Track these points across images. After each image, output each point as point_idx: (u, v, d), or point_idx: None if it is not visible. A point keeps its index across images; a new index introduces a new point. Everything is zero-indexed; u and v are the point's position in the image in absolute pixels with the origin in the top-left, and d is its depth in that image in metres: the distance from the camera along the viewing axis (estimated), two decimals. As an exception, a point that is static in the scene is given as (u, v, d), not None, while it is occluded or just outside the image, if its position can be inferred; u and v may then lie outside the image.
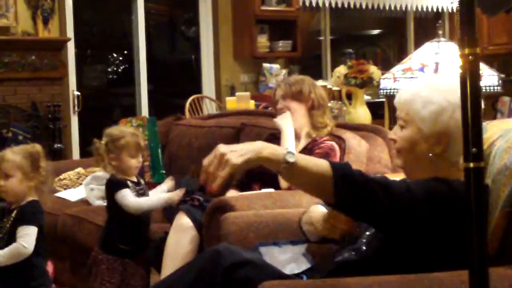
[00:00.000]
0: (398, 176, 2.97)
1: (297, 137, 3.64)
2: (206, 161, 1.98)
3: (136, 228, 3.46)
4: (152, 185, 3.88)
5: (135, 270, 3.47)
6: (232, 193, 3.66)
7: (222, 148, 1.97)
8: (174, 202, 3.39)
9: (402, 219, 2.02)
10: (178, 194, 3.40)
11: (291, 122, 3.64)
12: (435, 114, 2.20)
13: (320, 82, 4.00)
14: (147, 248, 3.51)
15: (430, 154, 2.24)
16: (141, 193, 3.46)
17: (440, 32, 3.69)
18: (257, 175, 3.62)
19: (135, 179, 3.51)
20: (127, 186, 3.43)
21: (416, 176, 2.26)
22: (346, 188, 1.96)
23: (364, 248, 2.23)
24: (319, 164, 1.99)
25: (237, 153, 1.95)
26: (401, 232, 2.06)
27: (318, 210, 2.39)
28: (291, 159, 1.93)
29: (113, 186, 3.45)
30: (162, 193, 3.48)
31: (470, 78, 1.51)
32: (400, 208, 2.01)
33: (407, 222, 2.02)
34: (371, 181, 1.99)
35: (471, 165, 1.51)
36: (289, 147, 3.52)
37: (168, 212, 3.72)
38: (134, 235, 3.47)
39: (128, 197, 3.39)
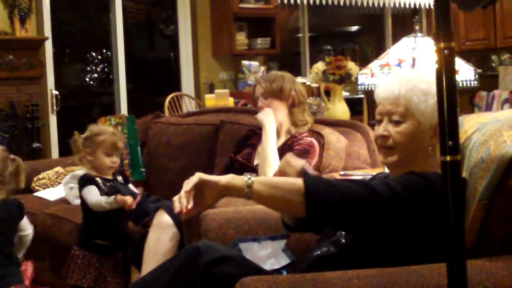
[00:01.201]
0: (376, 171, 2.99)
1: (277, 134, 3.65)
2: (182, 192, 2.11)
3: (111, 224, 3.49)
4: (132, 183, 3.89)
5: (111, 266, 3.50)
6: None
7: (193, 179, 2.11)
8: (126, 204, 3.39)
9: (383, 218, 2.03)
10: (130, 198, 3.40)
11: (273, 118, 3.64)
12: (436, 106, 2.19)
13: (299, 79, 4.00)
14: (124, 244, 3.54)
15: (430, 147, 2.24)
16: (112, 191, 3.48)
17: (417, 27, 3.71)
18: (237, 170, 3.62)
19: (109, 177, 3.56)
20: (94, 183, 3.48)
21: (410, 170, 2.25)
22: (320, 208, 2.01)
23: (343, 240, 2.23)
24: (286, 183, 2.06)
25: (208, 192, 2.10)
26: (381, 229, 2.07)
27: None
28: (251, 193, 2.04)
29: (81, 182, 3.53)
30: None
31: (445, 72, 1.53)
32: (384, 211, 2.01)
33: (388, 219, 2.03)
34: (343, 194, 2.02)
35: (448, 158, 1.52)
36: (271, 143, 3.53)
37: (135, 215, 3.73)
38: (109, 230, 3.51)
39: (89, 194, 3.45)
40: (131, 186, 3.74)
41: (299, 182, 2.03)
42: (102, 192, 3.48)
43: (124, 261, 3.55)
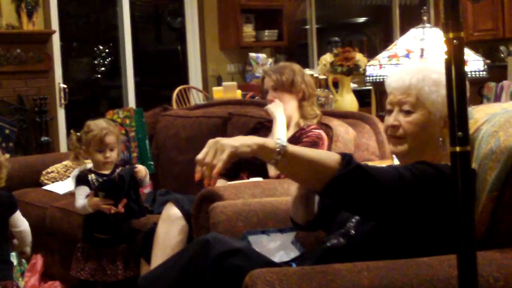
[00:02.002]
0: (386, 163, 2.98)
1: (286, 126, 3.63)
2: (200, 155, 1.98)
3: (108, 218, 3.50)
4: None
5: (111, 260, 3.52)
6: (220, 183, 3.66)
7: (214, 140, 1.98)
8: (103, 210, 3.46)
9: (394, 206, 2.02)
10: (107, 205, 3.47)
11: (283, 111, 3.62)
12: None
13: (306, 71, 3.97)
14: (128, 237, 3.57)
15: (440, 138, 2.23)
16: (100, 188, 3.52)
17: (425, 18, 3.69)
18: (245, 164, 3.62)
19: (108, 171, 3.60)
20: (86, 183, 3.56)
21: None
22: (348, 181, 1.96)
23: (352, 232, 2.23)
24: (318, 153, 2.01)
25: (232, 140, 1.97)
26: (392, 218, 2.06)
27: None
28: (282, 152, 1.94)
29: (75, 181, 3.64)
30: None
31: (454, 62, 1.52)
32: (394, 197, 2.00)
33: (398, 208, 2.02)
34: (369, 175, 1.99)
35: (458, 149, 1.52)
36: (281, 135, 3.52)
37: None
38: (107, 224, 3.52)
39: (76, 197, 3.57)
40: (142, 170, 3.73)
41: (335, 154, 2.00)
42: (94, 189, 3.54)
43: (130, 254, 3.56)
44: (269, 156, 1.97)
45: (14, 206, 3.48)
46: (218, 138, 1.98)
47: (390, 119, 2.30)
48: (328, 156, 2.01)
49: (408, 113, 2.25)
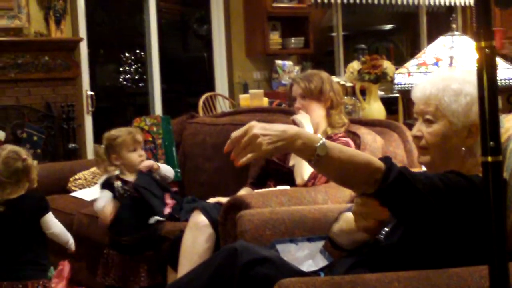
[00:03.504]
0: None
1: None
2: (236, 133, 1.91)
3: (134, 224, 3.52)
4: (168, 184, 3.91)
5: (135, 266, 3.54)
6: (246, 191, 3.65)
7: (255, 127, 1.90)
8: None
9: (429, 213, 2.00)
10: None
11: (310, 121, 3.60)
12: (468, 106, 2.17)
13: (333, 78, 3.96)
14: (153, 245, 3.58)
15: (463, 148, 2.21)
16: (124, 195, 3.61)
17: (454, 26, 3.67)
18: (272, 171, 3.61)
19: (131, 178, 3.64)
20: (111, 188, 3.62)
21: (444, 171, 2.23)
22: (398, 180, 1.93)
23: (382, 242, 2.21)
24: (358, 154, 1.97)
25: (269, 138, 1.89)
26: (426, 226, 2.04)
27: (348, 216, 2.32)
28: (322, 152, 1.87)
29: (101, 186, 3.69)
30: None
31: (486, 71, 1.50)
32: (430, 202, 1.98)
33: (432, 216, 2.00)
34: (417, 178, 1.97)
35: (489, 159, 1.50)
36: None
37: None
38: (132, 230, 3.53)
39: (98, 200, 3.64)
40: (167, 171, 3.78)
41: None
42: (118, 196, 3.62)
43: (156, 261, 3.57)
44: (309, 152, 1.90)
45: (45, 208, 3.53)
46: (258, 131, 1.89)
47: (413, 129, 2.31)
48: (367, 156, 1.98)
49: (430, 123, 2.24)
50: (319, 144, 1.88)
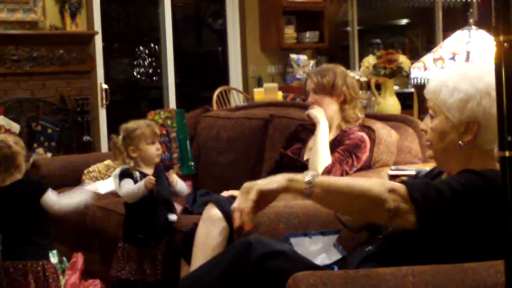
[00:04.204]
0: (429, 167, 2.95)
1: (328, 130, 3.61)
2: (234, 204, 2.07)
3: (149, 218, 3.52)
4: (181, 177, 3.90)
5: (151, 260, 3.53)
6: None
7: (245, 184, 2.07)
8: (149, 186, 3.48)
9: (447, 216, 2.00)
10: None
11: (324, 115, 3.60)
12: (463, 102, 2.15)
13: (348, 73, 3.94)
14: (167, 238, 3.58)
15: (461, 143, 2.19)
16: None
17: (471, 20, 3.65)
18: (286, 165, 3.60)
19: (149, 171, 3.59)
20: (130, 177, 3.55)
21: (448, 167, 2.24)
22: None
23: (395, 235, 2.20)
24: (355, 182, 2.05)
25: (261, 180, 2.06)
26: (442, 226, 2.04)
27: None
28: (310, 186, 2.01)
29: (119, 177, 3.60)
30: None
31: (505, 65, 1.49)
32: (457, 207, 2.00)
33: (450, 218, 2.00)
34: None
35: (507, 154, 1.49)
36: (324, 140, 3.49)
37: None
38: (148, 224, 3.53)
39: (122, 186, 3.54)
40: (175, 177, 3.74)
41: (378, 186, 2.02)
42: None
43: (170, 254, 3.57)
44: (300, 188, 2.02)
45: (41, 189, 3.51)
46: (248, 182, 2.06)
47: (421, 124, 2.37)
48: (371, 183, 2.03)
49: (432, 118, 2.26)
50: (308, 176, 2.02)
